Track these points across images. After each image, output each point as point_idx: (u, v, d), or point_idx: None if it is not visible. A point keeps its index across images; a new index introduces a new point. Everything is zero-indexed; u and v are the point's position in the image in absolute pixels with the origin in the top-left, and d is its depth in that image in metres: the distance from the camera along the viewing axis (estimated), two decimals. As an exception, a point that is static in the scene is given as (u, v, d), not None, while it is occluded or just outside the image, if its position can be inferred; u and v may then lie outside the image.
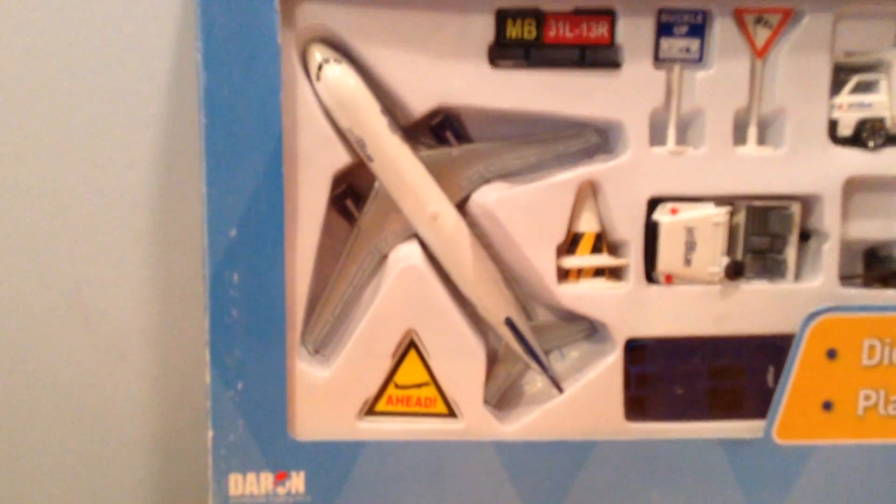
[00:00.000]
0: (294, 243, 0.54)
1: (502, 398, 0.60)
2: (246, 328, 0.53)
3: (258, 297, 0.53)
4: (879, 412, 0.57)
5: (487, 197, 0.56)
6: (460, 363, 0.56)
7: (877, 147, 0.56)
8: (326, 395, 0.55)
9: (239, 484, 0.55)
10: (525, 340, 0.58)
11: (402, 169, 0.55)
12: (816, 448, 0.57)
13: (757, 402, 0.57)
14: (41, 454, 0.66)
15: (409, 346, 0.56)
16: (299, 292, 0.55)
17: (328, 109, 0.54)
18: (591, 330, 0.60)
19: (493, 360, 0.59)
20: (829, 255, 0.56)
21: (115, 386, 0.65)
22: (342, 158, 0.55)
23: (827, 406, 0.57)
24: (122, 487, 0.66)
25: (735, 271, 0.56)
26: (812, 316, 0.56)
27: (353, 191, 0.57)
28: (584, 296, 0.56)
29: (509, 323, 0.58)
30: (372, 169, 0.56)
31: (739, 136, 0.56)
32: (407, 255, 0.56)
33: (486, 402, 0.58)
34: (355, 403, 0.56)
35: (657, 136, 0.56)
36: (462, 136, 0.57)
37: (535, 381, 0.60)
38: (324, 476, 0.55)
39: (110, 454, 0.66)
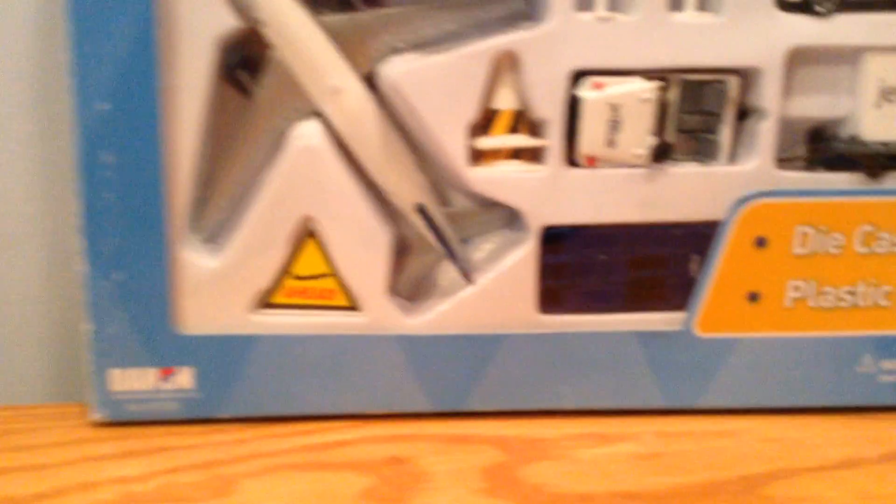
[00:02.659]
0: (175, 119, 0.48)
1: (416, 290, 0.56)
2: (123, 213, 0.48)
3: (135, 179, 0.48)
4: (809, 304, 0.54)
5: (394, 69, 0.50)
6: (363, 253, 0.51)
7: (828, 13, 0.50)
8: (216, 286, 0.51)
9: (121, 379, 0.51)
10: (437, 228, 0.54)
11: (297, 35, 0.49)
12: (740, 341, 0.54)
13: (680, 294, 0.54)
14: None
15: (308, 235, 0.52)
16: (183, 174, 0.49)
17: (208, -37, 0.48)
18: (511, 217, 0.55)
19: (406, 249, 0.56)
20: (766, 134, 0.51)
21: (2, 274, 0.61)
22: (228, 22, 0.48)
23: (753, 297, 0.53)
24: (11, 379, 0.63)
25: (661, 153, 0.51)
26: (741, 201, 0.52)
27: (247, 61, 0.51)
28: (497, 179, 0.51)
29: (420, 209, 0.53)
30: (265, 35, 0.49)
31: (675, 1, 0.50)
32: (305, 133, 0.50)
33: (398, 293, 0.55)
34: (248, 295, 0.52)
35: (584, 1, 0.50)
36: (370, 0, 0.51)
37: (451, 272, 0.56)
38: (214, 372, 0.51)
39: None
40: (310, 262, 0.52)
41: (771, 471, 0.50)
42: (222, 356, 0.51)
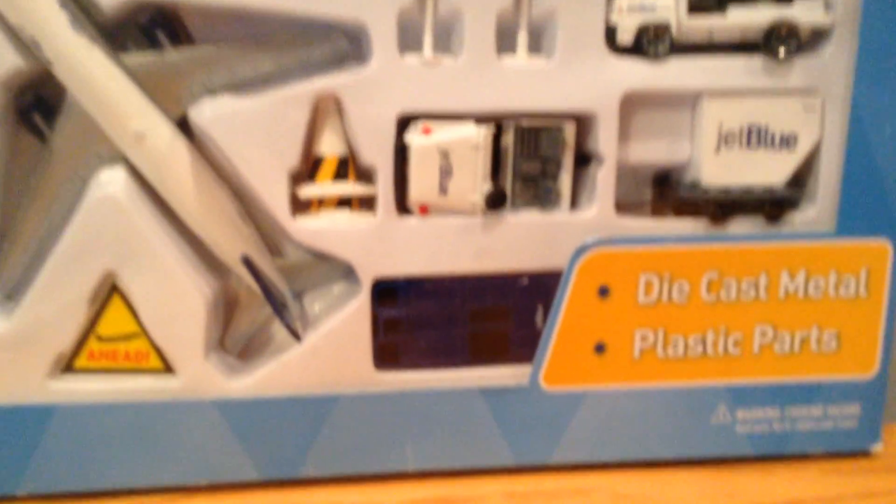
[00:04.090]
0: (-50, 166, 0.44)
1: (247, 348, 0.52)
2: None
3: None
4: (658, 354, 0.52)
5: (204, 113, 0.46)
6: (175, 310, 0.47)
7: (660, 56, 0.49)
8: (9, 349, 0.46)
9: None
10: (263, 281, 0.50)
11: (91, 77, 0.45)
12: (588, 394, 0.51)
13: (524, 347, 0.51)
14: None
15: (112, 292, 0.47)
16: (-34, 227, 0.45)
17: (-10, 0, 0.44)
18: (349, 269, 0.52)
19: (235, 304, 0.52)
20: (604, 181, 0.50)
21: None
22: (13, 62, 0.44)
23: (599, 348, 0.51)
24: None
25: (495, 201, 0.49)
26: (581, 250, 0.49)
27: (43, 103, 0.47)
28: (323, 230, 0.48)
29: (246, 262, 0.50)
30: (57, 76, 0.45)
31: (508, 44, 0.48)
32: (105, 181, 0.46)
33: (227, 351, 0.51)
34: (46, 359, 0.47)
35: (410, 43, 0.47)
36: (180, 38, 0.48)
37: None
38: (8, 445, 0.47)
39: None
40: (116, 321, 0.47)
41: (619, 533, 0.48)
42: (18, 428, 0.47)
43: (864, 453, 0.55)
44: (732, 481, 0.53)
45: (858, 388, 0.53)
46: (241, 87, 0.47)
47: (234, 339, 0.52)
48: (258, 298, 0.51)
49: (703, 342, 0.52)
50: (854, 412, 0.54)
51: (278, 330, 0.52)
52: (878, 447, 0.55)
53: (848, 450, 0.54)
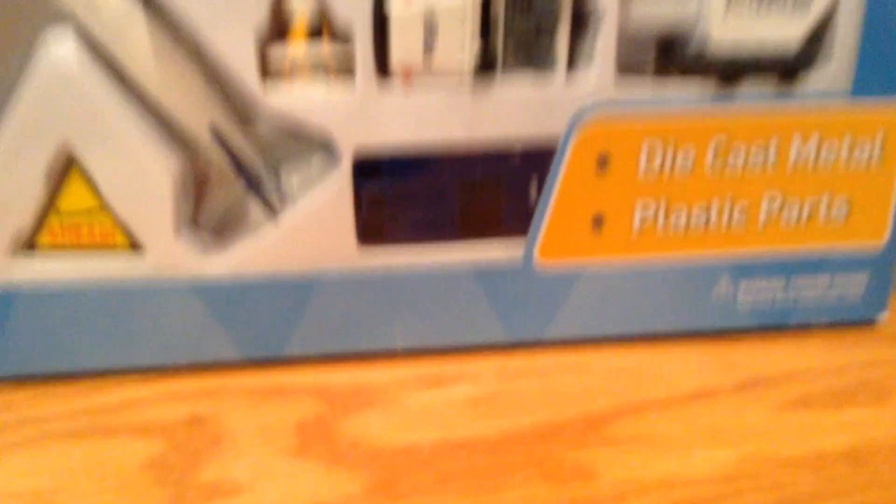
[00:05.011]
0: None
1: (222, 225, 0.49)
2: None
3: None
4: (659, 226, 0.49)
5: (155, -38, 0.42)
6: (140, 184, 0.44)
7: None
8: (-40, 228, 0.43)
9: None
10: (233, 153, 0.46)
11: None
12: (585, 269, 0.49)
13: (517, 222, 0.48)
14: None
15: (69, 164, 0.44)
16: None
17: None
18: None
19: (206, 180, 0.48)
20: (604, 40, 0.45)
21: None
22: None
23: (597, 222, 0.48)
24: None
25: (488, 60, 0.44)
26: (579, 116, 0.45)
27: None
28: (297, 96, 0.44)
29: (214, 132, 0.46)
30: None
31: None
32: (55, 49, 0.41)
33: (201, 229, 0.48)
34: (6, 236, 0.44)
35: None
36: None
37: (265, 202, 0.50)
38: (-33, 333, 0.45)
39: None
40: (76, 196, 0.44)
41: (616, 407, 0.46)
42: (-23, 314, 0.44)
43: (869, 323, 0.53)
44: (732, 353, 0.51)
45: (867, 257, 0.51)
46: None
47: (207, 216, 0.48)
48: (231, 173, 0.48)
49: (707, 213, 0.49)
50: (861, 281, 0.51)
51: (254, 207, 0.50)
52: (884, 316, 0.53)
53: (853, 320, 0.53)
